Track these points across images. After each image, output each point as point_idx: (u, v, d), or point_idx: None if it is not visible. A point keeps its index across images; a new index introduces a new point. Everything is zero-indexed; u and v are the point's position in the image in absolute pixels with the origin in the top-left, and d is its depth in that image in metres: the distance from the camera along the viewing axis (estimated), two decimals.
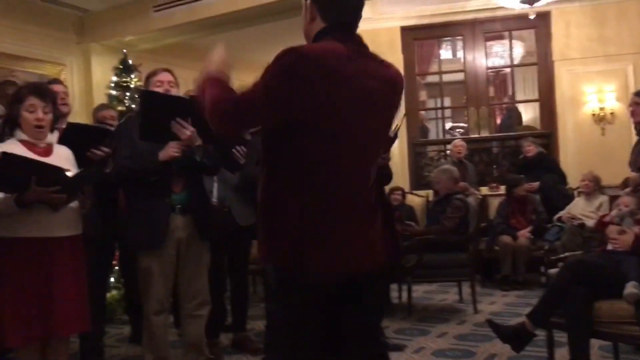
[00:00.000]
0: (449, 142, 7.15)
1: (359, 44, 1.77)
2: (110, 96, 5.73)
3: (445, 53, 8.84)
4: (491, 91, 8.23)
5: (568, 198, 6.03)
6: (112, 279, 4.55)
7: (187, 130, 2.81)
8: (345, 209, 1.69)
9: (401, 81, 1.85)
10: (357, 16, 1.80)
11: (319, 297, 1.71)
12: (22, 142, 2.61)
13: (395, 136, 3.21)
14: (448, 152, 7.01)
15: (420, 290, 5.53)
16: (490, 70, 7.67)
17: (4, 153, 2.35)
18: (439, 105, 8.46)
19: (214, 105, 1.69)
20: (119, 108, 5.31)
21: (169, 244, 2.93)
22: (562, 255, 3.66)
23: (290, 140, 1.67)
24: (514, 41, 7.88)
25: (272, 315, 1.91)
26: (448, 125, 9.46)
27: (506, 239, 5.69)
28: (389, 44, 6.93)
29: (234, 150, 3.26)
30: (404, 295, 4.80)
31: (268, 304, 3.52)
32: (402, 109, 1.94)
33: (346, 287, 1.75)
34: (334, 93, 1.63)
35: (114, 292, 4.66)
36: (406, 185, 6.83)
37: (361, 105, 1.69)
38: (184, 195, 2.99)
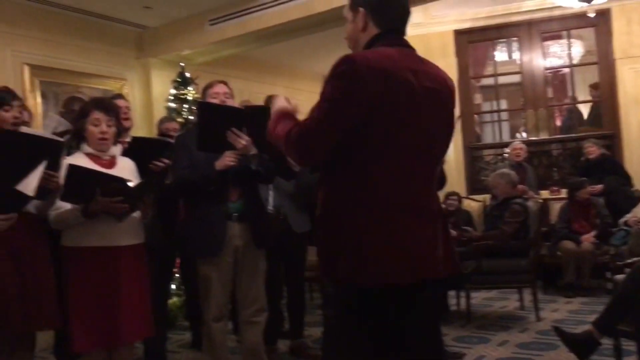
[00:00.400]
0: (506, 145, 6.99)
1: (410, 48, 1.79)
2: (169, 109, 5.91)
3: (500, 55, 8.65)
4: (550, 92, 7.99)
5: (634, 200, 5.77)
6: (173, 286, 4.67)
7: (242, 140, 2.88)
8: (407, 217, 1.69)
9: (452, 84, 1.86)
10: (406, 22, 1.83)
11: (379, 305, 1.71)
12: (88, 154, 2.73)
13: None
14: (505, 155, 6.85)
15: (479, 297, 5.42)
16: (548, 71, 7.46)
17: (71, 165, 2.47)
18: (494, 108, 8.28)
19: (286, 139, 1.72)
20: (178, 120, 5.47)
21: (227, 252, 3.00)
22: (629, 261, 3.53)
23: (350, 150, 1.68)
24: (572, 40, 7.65)
25: (330, 322, 1.92)
26: (505, 128, 9.26)
27: (569, 244, 5.51)
28: (441, 48, 6.86)
29: (288, 158, 3.30)
30: (462, 302, 4.72)
31: (325, 310, 3.54)
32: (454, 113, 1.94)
33: (406, 293, 1.73)
34: (391, 97, 1.65)
35: (175, 299, 4.79)
36: (462, 190, 6.72)
37: (419, 107, 1.70)
38: (240, 204, 3.05)
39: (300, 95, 7.70)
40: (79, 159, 2.68)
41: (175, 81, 5.97)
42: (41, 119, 5.32)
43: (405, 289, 1.71)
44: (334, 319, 1.83)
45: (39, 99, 5.42)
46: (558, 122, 8.14)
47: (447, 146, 1.86)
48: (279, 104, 1.90)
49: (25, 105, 2.83)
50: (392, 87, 1.64)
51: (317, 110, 1.67)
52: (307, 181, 3.45)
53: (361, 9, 1.80)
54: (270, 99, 3.75)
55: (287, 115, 1.82)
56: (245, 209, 3.05)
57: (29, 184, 2.22)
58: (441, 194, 3.68)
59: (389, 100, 1.64)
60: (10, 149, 2.29)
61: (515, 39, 7.50)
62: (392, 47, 1.74)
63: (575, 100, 8.33)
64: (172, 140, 3.38)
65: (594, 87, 7.26)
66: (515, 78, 7.57)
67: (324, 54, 7.31)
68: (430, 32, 6.85)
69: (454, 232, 4.70)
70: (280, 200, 3.74)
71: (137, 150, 3.01)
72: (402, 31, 1.82)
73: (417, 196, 1.72)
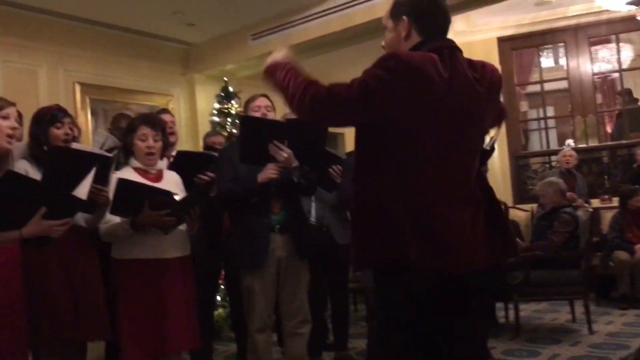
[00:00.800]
0: (554, 153, 6.82)
1: (453, 50, 1.79)
2: (213, 123, 6.03)
3: (546, 61, 8.48)
4: (599, 98, 7.77)
5: None
6: (218, 298, 4.73)
7: (284, 152, 2.90)
8: (445, 206, 1.70)
9: (498, 78, 1.88)
10: (448, 30, 1.86)
11: (423, 302, 1.70)
12: (136, 169, 2.81)
13: (492, 148, 3.12)
14: (553, 163, 6.68)
15: (528, 310, 5.28)
16: (596, 77, 7.26)
17: (120, 179, 2.54)
18: (541, 115, 8.10)
19: (304, 91, 1.73)
20: (223, 133, 5.56)
21: (270, 263, 3.02)
22: None
23: (385, 143, 1.71)
24: (621, 44, 7.42)
25: (375, 333, 1.92)
26: (552, 135, 9.05)
27: (622, 254, 5.31)
28: (485, 55, 6.74)
29: (330, 169, 3.32)
30: (511, 314, 4.60)
31: (370, 322, 3.52)
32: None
33: (451, 292, 1.73)
34: (431, 97, 1.67)
35: (221, 310, 4.84)
36: (509, 199, 6.58)
37: (458, 110, 1.71)
38: (282, 215, 3.07)
39: None
40: (128, 173, 2.76)
41: (219, 95, 6.09)
42: (91, 135, 5.50)
43: (448, 287, 1.71)
44: (378, 331, 1.82)
45: (89, 116, 5.62)
46: (608, 129, 7.91)
47: (484, 155, 1.87)
48: (281, 54, 1.91)
49: (75, 122, 2.93)
50: (431, 92, 1.66)
51: (349, 88, 1.69)
52: (348, 192, 3.44)
53: (404, 17, 1.81)
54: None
55: (296, 66, 1.83)
56: (288, 221, 3.07)
57: (81, 191, 2.32)
58: None
59: (427, 104, 1.67)
60: (62, 163, 2.38)
61: (561, 44, 7.34)
62: (436, 52, 1.74)
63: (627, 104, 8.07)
64: (216, 154, 3.44)
65: None
66: (563, 84, 7.40)
67: (364, 65, 7.34)
68: (472, 40, 6.77)
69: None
70: (322, 212, 3.74)
71: (182, 163, 3.07)
72: (444, 36, 1.84)
73: (455, 185, 1.74)
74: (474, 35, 6.88)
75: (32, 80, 5.21)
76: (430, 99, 1.67)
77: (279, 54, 1.91)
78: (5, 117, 2.31)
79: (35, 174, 2.52)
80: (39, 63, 5.27)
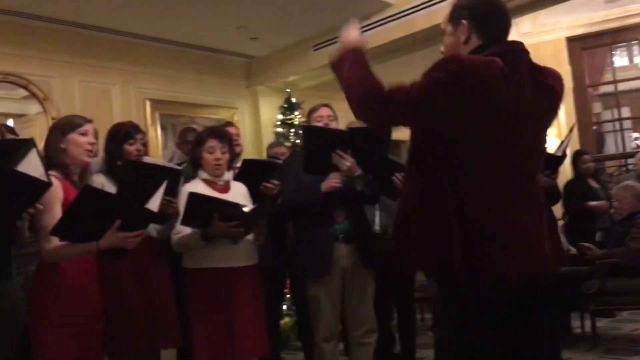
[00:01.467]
0: (630, 155, 6.50)
1: (518, 53, 1.76)
2: (276, 134, 6.13)
3: (619, 60, 8.12)
4: None
5: None
6: (284, 307, 4.77)
7: (347, 162, 2.91)
8: (505, 208, 1.66)
9: (562, 85, 1.84)
10: (509, 32, 1.81)
11: (490, 310, 1.66)
12: (204, 180, 2.89)
13: (564, 154, 3.02)
14: (630, 166, 6.37)
15: (605, 320, 5.04)
16: None
17: (191, 193, 2.63)
18: (615, 116, 7.74)
19: (365, 90, 1.74)
20: (286, 144, 5.64)
21: (334, 272, 3.02)
22: None
23: (442, 145, 1.68)
24: None
25: (442, 343, 1.89)
26: (629, 137, 8.62)
27: None
28: (554, 56, 6.54)
29: (394, 177, 3.29)
30: (587, 324, 4.41)
31: (436, 332, 3.45)
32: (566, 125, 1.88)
33: (518, 299, 1.68)
34: (490, 100, 1.64)
35: (287, 319, 4.88)
36: None
37: (518, 112, 1.68)
38: (346, 225, 3.07)
39: None
40: (197, 185, 2.85)
41: (282, 107, 6.18)
42: (161, 148, 5.71)
43: (517, 293, 1.67)
44: (445, 340, 1.79)
45: (158, 131, 5.83)
46: None
47: (555, 162, 1.83)
48: (354, 34, 1.89)
49: (145, 137, 3.05)
50: (492, 97, 1.64)
51: (407, 89, 1.67)
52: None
53: (464, 21, 1.78)
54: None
55: (366, 64, 1.82)
56: (352, 230, 3.07)
57: (153, 203, 2.41)
58: (556, 210, 3.50)
59: (487, 109, 1.64)
60: (136, 177, 2.49)
61: (635, 42, 7.02)
62: (500, 54, 1.71)
63: None
64: (279, 161, 3.49)
65: None
66: (638, 84, 7.06)
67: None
68: (540, 41, 6.57)
69: (573, 250, 4.43)
70: (387, 220, 3.72)
71: (249, 172, 3.14)
72: (505, 39, 1.80)
73: (517, 189, 1.70)
74: (542, 36, 6.68)
75: (106, 98, 5.47)
76: (490, 102, 1.64)
77: (350, 36, 1.89)
78: (84, 134, 2.44)
79: (110, 188, 2.64)
80: (113, 82, 5.52)
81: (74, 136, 2.41)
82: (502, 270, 1.62)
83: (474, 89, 1.62)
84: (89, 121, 2.51)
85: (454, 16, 1.82)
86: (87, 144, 2.43)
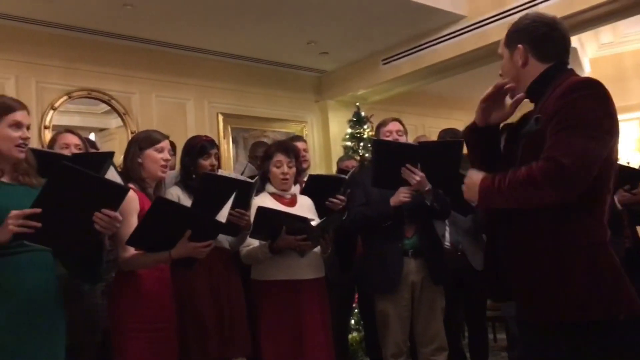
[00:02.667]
0: None
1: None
2: (345, 147, 6.15)
3: None
4: None
5: None
6: (352, 321, 4.74)
7: (417, 176, 2.87)
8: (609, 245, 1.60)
9: None
10: (568, 56, 1.76)
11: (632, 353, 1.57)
12: (272, 194, 2.94)
13: None
14: None
15: None
16: None
17: (260, 207, 2.67)
18: None
19: (539, 179, 1.52)
20: (356, 158, 5.65)
21: (403, 288, 2.99)
22: None
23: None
24: None
25: None
26: None
27: None
28: (636, 67, 6.24)
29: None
30: None
31: (511, 352, 3.33)
32: None
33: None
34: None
35: (355, 334, 4.85)
36: None
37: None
38: (415, 239, 3.03)
39: None
40: (264, 198, 2.89)
41: (350, 120, 6.21)
42: (232, 162, 5.85)
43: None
44: None
45: (230, 144, 5.98)
46: None
47: None
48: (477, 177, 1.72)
49: (218, 151, 3.14)
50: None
51: (572, 138, 1.51)
52: (485, 216, 3.32)
53: (520, 45, 1.74)
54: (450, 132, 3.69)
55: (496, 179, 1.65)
56: (421, 245, 3.02)
57: (222, 215, 2.47)
58: None
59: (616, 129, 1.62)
60: (211, 189, 2.57)
61: None
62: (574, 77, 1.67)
63: None
64: (346, 177, 3.50)
65: None
66: None
67: None
68: (622, 52, 6.28)
69: None
70: (457, 236, 3.64)
71: (315, 187, 3.16)
72: (566, 62, 1.75)
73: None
74: (623, 46, 6.37)
75: (181, 113, 5.67)
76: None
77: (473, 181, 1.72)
78: (161, 150, 2.53)
79: (186, 199, 2.73)
80: (187, 97, 5.72)
81: (151, 152, 2.51)
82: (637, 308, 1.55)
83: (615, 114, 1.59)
84: (166, 137, 2.61)
85: (510, 41, 1.77)
86: (162, 160, 2.52)
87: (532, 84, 1.73)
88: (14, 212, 1.75)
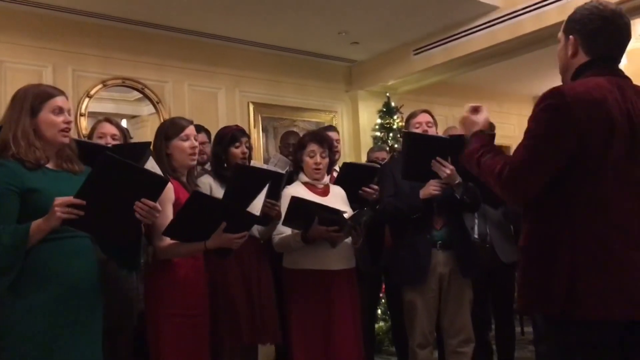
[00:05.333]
0: None
1: (623, 77, 1.69)
2: (375, 138, 6.15)
3: None
4: None
5: None
6: (378, 311, 4.78)
7: (447, 169, 2.88)
8: (620, 245, 1.58)
9: None
10: (622, 50, 1.73)
11: (598, 341, 1.58)
12: (305, 183, 2.98)
13: None
14: None
15: None
16: None
17: (294, 197, 2.71)
18: None
19: (496, 179, 1.68)
20: (386, 148, 5.65)
21: (431, 280, 3.00)
22: None
23: (559, 182, 1.62)
24: None
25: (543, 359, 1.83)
26: None
27: None
28: None
29: None
30: None
31: (538, 347, 3.33)
32: None
33: (630, 332, 1.60)
34: (601, 131, 1.58)
35: (382, 323, 4.89)
36: None
37: (632, 140, 1.61)
38: (444, 232, 3.04)
39: (509, 120, 7.43)
40: (297, 188, 2.94)
41: (380, 111, 6.20)
42: (262, 151, 5.90)
43: (628, 327, 1.58)
44: (547, 356, 1.73)
45: (260, 133, 6.04)
46: None
47: None
48: (484, 118, 1.88)
49: (249, 140, 3.17)
50: (602, 119, 1.57)
51: (523, 148, 1.64)
52: (515, 210, 3.31)
53: (571, 36, 1.74)
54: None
55: (492, 144, 1.80)
56: (450, 237, 3.03)
57: (256, 206, 2.52)
58: None
59: (599, 133, 1.57)
60: (243, 180, 2.61)
61: None
62: (602, 76, 1.65)
63: None
64: (379, 165, 3.51)
65: None
66: None
67: (532, 76, 6.96)
68: None
69: None
70: (486, 229, 3.63)
71: (348, 175, 3.18)
72: (616, 58, 1.73)
73: (633, 227, 1.60)
74: None
75: (213, 102, 5.73)
76: (598, 129, 1.58)
77: (478, 120, 1.88)
78: (186, 138, 2.56)
79: (217, 188, 2.79)
80: (219, 86, 5.78)
81: (177, 142, 2.55)
82: (613, 310, 1.55)
83: (577, 120, 1.57)
84: (190, 123, 2.63)
85: (566, 29, 1.77)
86: (189, 149, 2.56)
87: (571, 77, 1.75)
88: (59, 200, 1.82)
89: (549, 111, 1.60)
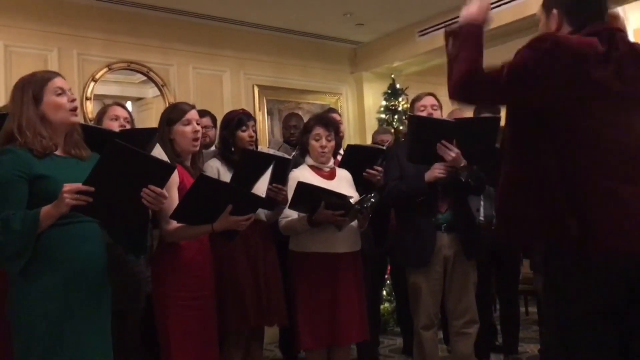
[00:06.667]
0: None
1: (613, 32, 1.72)
2: (380, 120, 6.14)
3: None
4: None
5: None
6: (384, 292, 4.83)
7: (452, 152, 2.88)
8: (611, 181, 1.62)
9: None
10: (605, 13, 1.77)
11: (599, 294, 1.60)
12: (311, 166, 3.00)
13: None
14: None
15: None
16: None
17: (300, 182, 2.73)
18: None
19: (465, 75, 1.74)
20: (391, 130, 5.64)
21: (436, 262, 3.03)
22: None
23: (539, 121, 1.68)
24: None
25: (549, 339, 1.84)
26: None
27: None
28: None
29: None
30: None
31: (543, 327, 3.36)
32: None
33: (631, 283, 1.61)
34: (587, 75, 1.63)
35: (387, 304, 4.93)
36: None
37: (620, 87, 1.65)
38: (449, 215, 3.06)
39: None
40: (304, 171, 2.96)
41: (385, 93, 6.19)
42: (267, 134, 5.91)
43: (632, 268, 1.60)
44: (553, 335, 1.75)
45: (265, 116, 6.04)
46: None
47: None
48: (479, 8, 1.90)
49: (255, 124, 3.18)
50: (588, 75, 1.62)
51: (505, 71, 1.68)
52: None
53: (554, 11, 1.78)
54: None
55: (479, 39, 1.82)
56: (454, 220, 3.05)
57: (259, 189, 2.54)
58: None
59: (584, 87, 1.63)
60: (250, 164, 2.63)
61: None
62: (595, 34, 1.70)
63: None
64: (384, 147, 3.51)
65: None
66: None
67: None
68: None
69: None
70: (491, 211, 3.64)
71: (353, 157, 3.19)
72: (602, 13, 1.77)
73: (627, 161, 1.64)
74: None
75: (218, 84, 5.73)
76: (588, 80, 1.62)
77: (473, 10, 1.90)
78: (188, 123, 2.58)
79: (225, 172, 2.81)
80: (223, 69, 5.77)
81: (179, 127, 2.57)
82: (613, 246, 1.57)
83: (569, 66, 1.61)
84: (192, 107, 2.64)
85: (546, 5, 1.82)
86: (191, 133, 2.57)
87: None
88: (67, 186, 1.84)
89: (538, 50, 1.65)
